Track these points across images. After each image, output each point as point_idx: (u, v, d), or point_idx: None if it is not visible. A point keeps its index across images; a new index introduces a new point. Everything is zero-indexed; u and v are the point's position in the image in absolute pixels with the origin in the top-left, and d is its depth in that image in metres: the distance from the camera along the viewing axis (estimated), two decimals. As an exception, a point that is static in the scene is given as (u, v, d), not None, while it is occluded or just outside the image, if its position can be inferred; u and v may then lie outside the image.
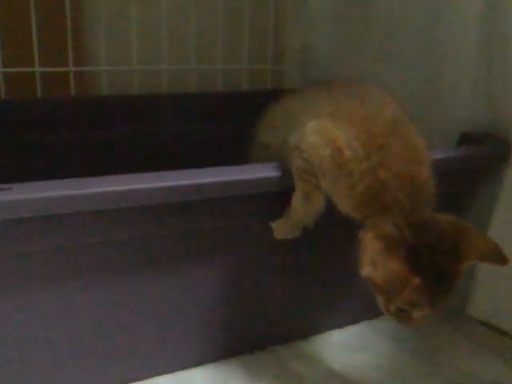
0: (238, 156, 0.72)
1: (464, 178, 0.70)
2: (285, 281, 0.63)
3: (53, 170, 0.84)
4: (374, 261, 0.45)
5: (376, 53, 0.88)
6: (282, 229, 0.56)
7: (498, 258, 0.48)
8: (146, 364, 0.58)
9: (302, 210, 0.54)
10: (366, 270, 0.46)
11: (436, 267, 0.47)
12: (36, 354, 0.51)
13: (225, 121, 0.97)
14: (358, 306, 0.71)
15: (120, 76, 0.95)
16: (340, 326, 0.71)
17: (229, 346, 0.63)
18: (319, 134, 0.52)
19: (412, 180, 0.50)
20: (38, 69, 0.86)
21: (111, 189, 0.42)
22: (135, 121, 0.92)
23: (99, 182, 0.43)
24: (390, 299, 0.48)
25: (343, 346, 0.67)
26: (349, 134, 0.51)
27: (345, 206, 0.52)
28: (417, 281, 0.44)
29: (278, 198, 0.55)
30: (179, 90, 0.99)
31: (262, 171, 0.53)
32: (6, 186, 0.39)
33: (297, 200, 0.54)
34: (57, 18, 0.87)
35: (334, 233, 0.62)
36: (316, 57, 1.02)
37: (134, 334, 0.55)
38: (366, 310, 0.72)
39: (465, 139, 0.71)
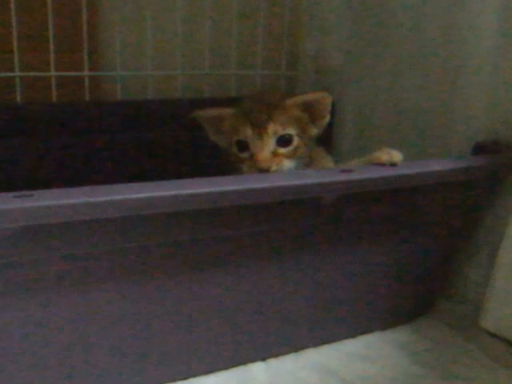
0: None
1: (478, 188, 0.70)
2: (298, 289, 0.63)
3: (66, 174, 0.86)
4: None
5: (391, 60, 0.87)
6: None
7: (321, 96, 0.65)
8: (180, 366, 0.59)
9: None
10: None
11: (258, 101, 0.64)
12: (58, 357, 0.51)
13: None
14: (371, 315, 0.71)
15: (134, 81, 0.96)
16: (352, 335, 0.70)
17: (241, 354, 0.63)
18: None
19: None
20: (53, 73, 0.87)
21: (134, 196, 0.42)
22: (149, 125, 0.92)
23: (120, 189, 0.43)
24: (231, 141, 0.63)
25: (355, 355, 0.66)
26: None
27: None
28: (230, 111, 0.65)
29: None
30: (193, 95, 0.99)
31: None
32: (27, 192, 0.39)
33: None
34: (73, 23, 0.87)
35: (348, 243, 0.63)
36: (330, 63, 1.02)
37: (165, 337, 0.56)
38: (378, 320, 0.72)
39: (479, 149, 0.71)
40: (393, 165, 0.58)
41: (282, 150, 0.61)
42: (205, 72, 0.99)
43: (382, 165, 0.59)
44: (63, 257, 0.45)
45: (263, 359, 0.64)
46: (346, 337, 0.70)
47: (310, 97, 0.64)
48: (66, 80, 0.89)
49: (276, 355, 0.65)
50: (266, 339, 0.64)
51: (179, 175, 0.53)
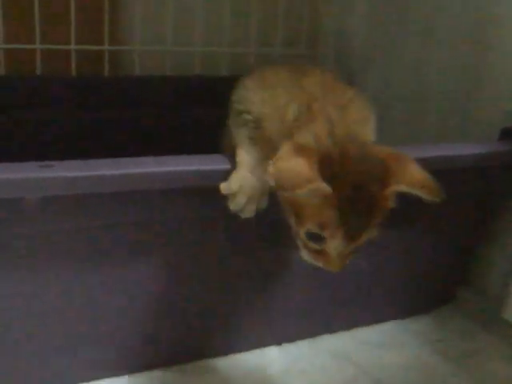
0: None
1: (505, 173, 0.67)
2: (316, 277, 0.61)
3: (85, 148, 0.85)
4: (277, 158, 0.41)
5: (415, 42, 0.85)
6: (236, 186, 0.46)
7: (431, 190, 0.44)
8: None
9: (251, 160, 0.48)
10: (269, 171, 0.41)
11: (356, 187, 0.42)
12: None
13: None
14: (388, 303, 0.69)
15: (153, 56, 0.94)
16: (368, 323, 0.69)
17: (257, 338, 0.62)
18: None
19: (335, 99, 0.48)
20: (73, 47, 0.85)
21: (150, 170, 0.41)
22: (165, 101, 0.91)
23: (137, 162, 0.42)
24: (301, 220, 0.44)
25: (372, 343, 0.65)
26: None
27: (277, 132, 0.48)
28: (325, 186, 0.40)
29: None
30: (211, 73, 0.97)
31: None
32: (47, 163, 0.39)
33: (243, 149, 0.49)
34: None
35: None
36: (351, 42, 1.00)
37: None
38: (395, 309, 0.70)
39: (506, 135, 0.68)
40: None
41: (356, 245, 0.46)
42: (224, 49, 0.97)
43: None
44: (86, 228, 0.44)
45: (278, 344, 0.64)
46: (363, 325, 0.69)
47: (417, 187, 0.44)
48: (86, 54, 0.87)
49: (292, 340, 0.64)
50: (283, 324, 0.63)
51: (197, 152, 0.52)
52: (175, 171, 0.43)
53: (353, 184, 0.42)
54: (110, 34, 0.87)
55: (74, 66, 0.86)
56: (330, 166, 0.42)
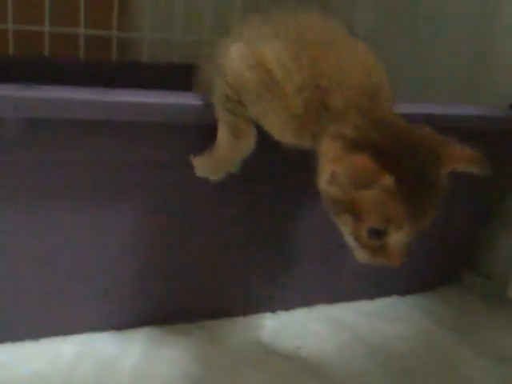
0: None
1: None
2: (312, 242, 0.60)
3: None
4: (335, 157, 0.39)
5: (420, 32, 0.85)
6: (203, 166, 0.47)
7: (482, 164, 0.43)
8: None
9: (229, 148, 0.46)
10: (327, 171, 0.39)
11: (412, 171, 0.39)
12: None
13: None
14: (391, 278, 0.67)
15: (161, 44, 0.96)
16: (369, 296, 0.67)
17: (250, 304, 0.61)
18: (243, 57, 0.45)
19: (361, 84, 0.44)
20: (81, 30, 0.88)
21: (137, 99, 0.42)
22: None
23: (126, 92, 0.42)
24: (360, 218, 0.40)
25: (371, 314, 0.64)
26: (277, 48, 0.45)
27: (286, 133, 0.45)
28: (389, 178, 0.38)
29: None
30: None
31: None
32: (35, 85, 0.39)
33: (223, 135, 0.45)
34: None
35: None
36: (355, 35, 1.00)
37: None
38: (399, 284, 0.68)
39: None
40: None
41: None
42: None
43: None
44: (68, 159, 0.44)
45: (273, 310, 0.62)
46: (364, 298, 0.67)
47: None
48: (94, 38, 0.90)
49: (288, 308, 0.63)
50: (279, 291, 0.62)
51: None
52: (168, 103, 0.44)
53: (411, 170, 0.40)
54: (118, 19, 0.89)
55: (82, 50, 0.89)
56: (386, 156, 0.39)
